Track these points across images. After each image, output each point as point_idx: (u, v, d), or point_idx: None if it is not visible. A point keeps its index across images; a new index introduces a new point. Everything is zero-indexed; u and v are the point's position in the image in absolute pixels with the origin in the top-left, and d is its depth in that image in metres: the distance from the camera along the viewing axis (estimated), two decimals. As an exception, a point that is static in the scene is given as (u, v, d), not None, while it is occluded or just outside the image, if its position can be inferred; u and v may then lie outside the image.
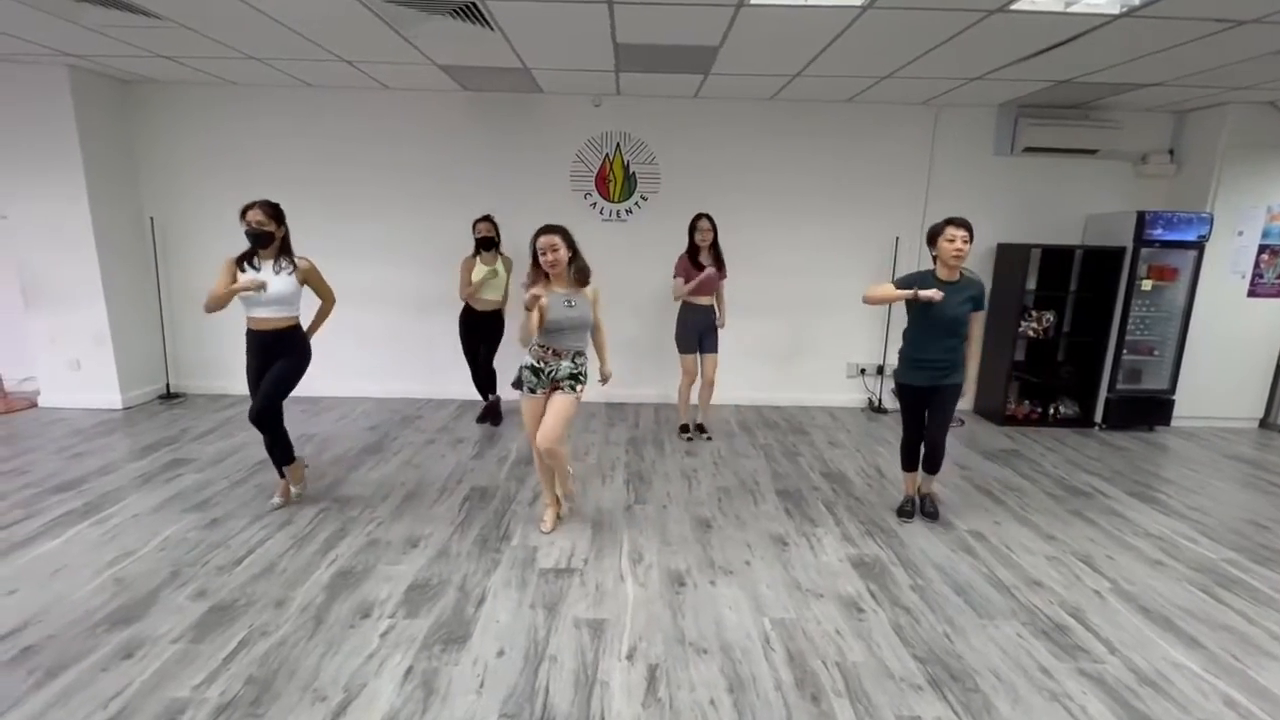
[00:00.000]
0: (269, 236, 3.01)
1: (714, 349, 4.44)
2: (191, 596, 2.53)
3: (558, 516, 3.23)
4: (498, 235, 4.56)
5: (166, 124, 5.00)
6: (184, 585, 2.60)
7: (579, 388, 3.00)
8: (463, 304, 4.62)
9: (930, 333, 3.11)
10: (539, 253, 2.86)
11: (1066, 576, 2.85)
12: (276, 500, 3.32)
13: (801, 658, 2.26)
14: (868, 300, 3.16)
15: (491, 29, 3.42)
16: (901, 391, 3.31)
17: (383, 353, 5.40)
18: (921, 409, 3.28)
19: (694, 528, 3.23)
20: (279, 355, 3.13)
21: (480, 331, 4.65)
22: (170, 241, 5.20)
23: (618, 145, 5.10)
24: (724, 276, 4.37)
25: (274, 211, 3.03)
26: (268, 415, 3.13)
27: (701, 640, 2.34)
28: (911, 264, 5.34)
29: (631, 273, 5.22)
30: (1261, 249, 4.95)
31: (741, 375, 5.39)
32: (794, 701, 2.04)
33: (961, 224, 3.00)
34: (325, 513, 3.28)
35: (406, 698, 2.02)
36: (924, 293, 2.95)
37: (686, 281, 4.25)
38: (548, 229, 2.89)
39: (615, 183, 5.18)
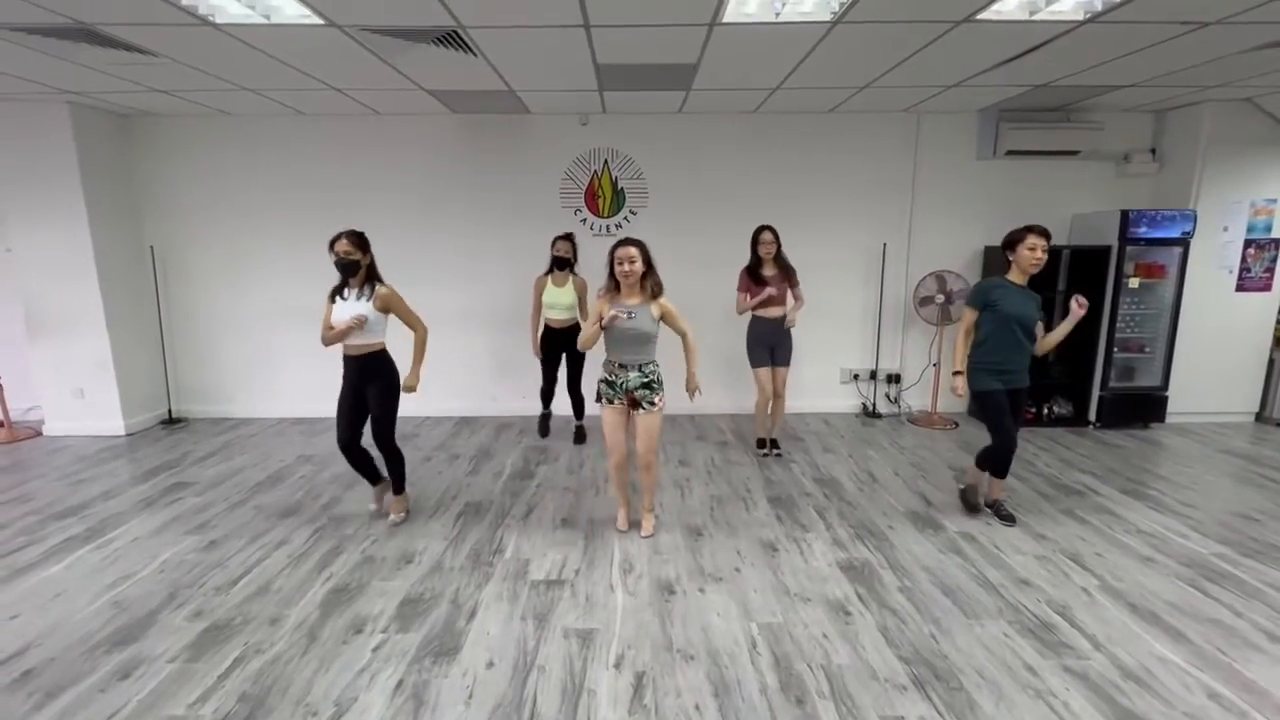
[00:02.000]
0: (356, 265, 3.11)
1: (785, 361, 4.38)
2: (189, 617, 2.57)
3: (628, 518, 3.36)
4: (575, 256, 4.59)
5: (165, 155, 5.13)
6: (181, 606, 2.65)
7: (658, 399, 3.09)
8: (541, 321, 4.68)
9: (1014, 339, 3.19)
10: (616, 263, 2.98)
11: (1055, 575, 2.87)
12: (372, 506, 3.45)
13: (787, 661, 2.28)
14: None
15: (474, 55, 3.52)
16: (991, 399, 3.24)
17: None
18: (1011, 413, 3.27)
19: (685, 536, 3.27)
20: (367, 382, 3.21)
21: (559, 347, 4.65)
22: (170, 269, 5.31)
23: (605, 162, 5.20)
24: (793, 284, 4.30)
25: (359, 240, 3.12)
26: (384, 448, 3.30)
27: (689, 647, 2.37)
28: (899, 270, 5.40)
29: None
30: (1247, 244, 4.98)
31: (735, 383, 5.43)
32: (778, 704, 2.07)
33: (1043, 233, 3.12)
34: (321, 531, 3.33)
35: (396, 710, 2.05)
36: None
37: (750, 298, 4.26)
38: (627, 241, 3.00)
39: (604, 198, 5.27)
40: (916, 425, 5.26)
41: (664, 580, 2.84)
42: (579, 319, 4.59)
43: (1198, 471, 4.17)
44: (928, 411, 5.39)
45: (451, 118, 5.08)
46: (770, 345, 4.35)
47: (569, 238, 4.57)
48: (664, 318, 3.07)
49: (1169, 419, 5.13)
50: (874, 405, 5.57)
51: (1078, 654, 2.32)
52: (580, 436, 4.85)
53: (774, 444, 4.56)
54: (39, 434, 5.07)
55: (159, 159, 5.14)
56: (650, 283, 3.04)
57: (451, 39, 3.27)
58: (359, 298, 3.14)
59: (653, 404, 3.10)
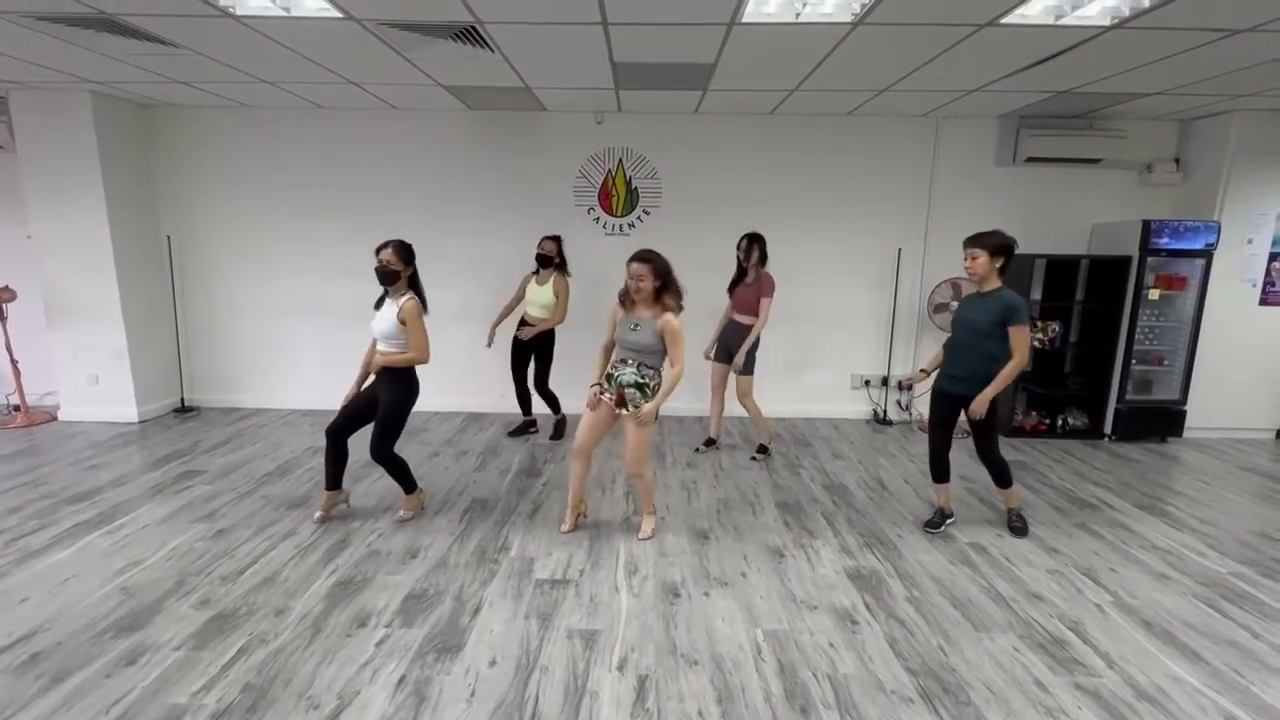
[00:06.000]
0: (395, 275, 3.13)
1: (741, 370, 4.23)
2: (195, 605, 2.58)
3: (578, 519, 3.33)
4: (559, 255, 4.60)
5: (183, 146, 5.18)
6: (188, 594, 2.66)
7: (646, 407, 2.96)
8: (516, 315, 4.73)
9: (957, 341, 3.22)
10: (628, 278, 2.95)
11: (1068, 590, 2.82)
12: (404, 514, 3.41)
13: (792, 669, 2.25)
14: None
15: (491, 50, 3.51)
16: (932, 398, 3.38)
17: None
18: (944, 417, 3.31)
19: (691, 539, 3.24)
20: (383, 386, 3.22)
21: (529, 346, 4.67)
22: (186, 260, 5.35)
23: (620, 161, 5.18)
24: (763, 293, 4.16)
25: (405, 252, 3.15)
26: (377, 457, 3.27)
27: (693, 651, 2.34)
28: (915, 276, 5.36)
29: (634, 286, 5.28)
30: (1272, 257, 4.88)
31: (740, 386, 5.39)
32: (782, 713, 2.04)
33: (969, 241, 3.11)
34: (328, 524, 3.34)
35: (398, 706, 2.05)
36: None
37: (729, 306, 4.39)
38: (641, 258, 2.93)
39: (618, 197, 5.25)
40: (927, 434, 5.19)
41: (669, 583, 2.82)
42: (551, 321, 4.60)
43: (1216, 488, 4.09)
44: (939, 419, 5.32)
45: (467, 114, 5.09)
46: (728, 348, 4.34)
47: (555, 239, 4.60)
48: (663, 332, 2.93)
49: (1186, 433, 5.04)
50: (884, 412, 5.51)
51: (1090, 671, 2.27)
52: (559, 431, 4.87)
53: (761, 449, 4.50)
54: (54, 419, 5.13)
55: (177, 149, 5.18)
56: (668, 298, 2.95)
57: (469, 34, 3.26)
58: (389, 308, 3.16)
59: (638, 407, 2.98)
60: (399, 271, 3.13)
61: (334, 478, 3.37)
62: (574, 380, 5.13)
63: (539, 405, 4.87)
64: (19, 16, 3.09)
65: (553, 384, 4.80)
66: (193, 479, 3.93)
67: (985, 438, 3.28)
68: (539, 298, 4.56)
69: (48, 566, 2.87)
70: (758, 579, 2.86)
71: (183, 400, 5.50)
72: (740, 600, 2.69)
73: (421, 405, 5.46)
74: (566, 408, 4.89)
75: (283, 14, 3.01)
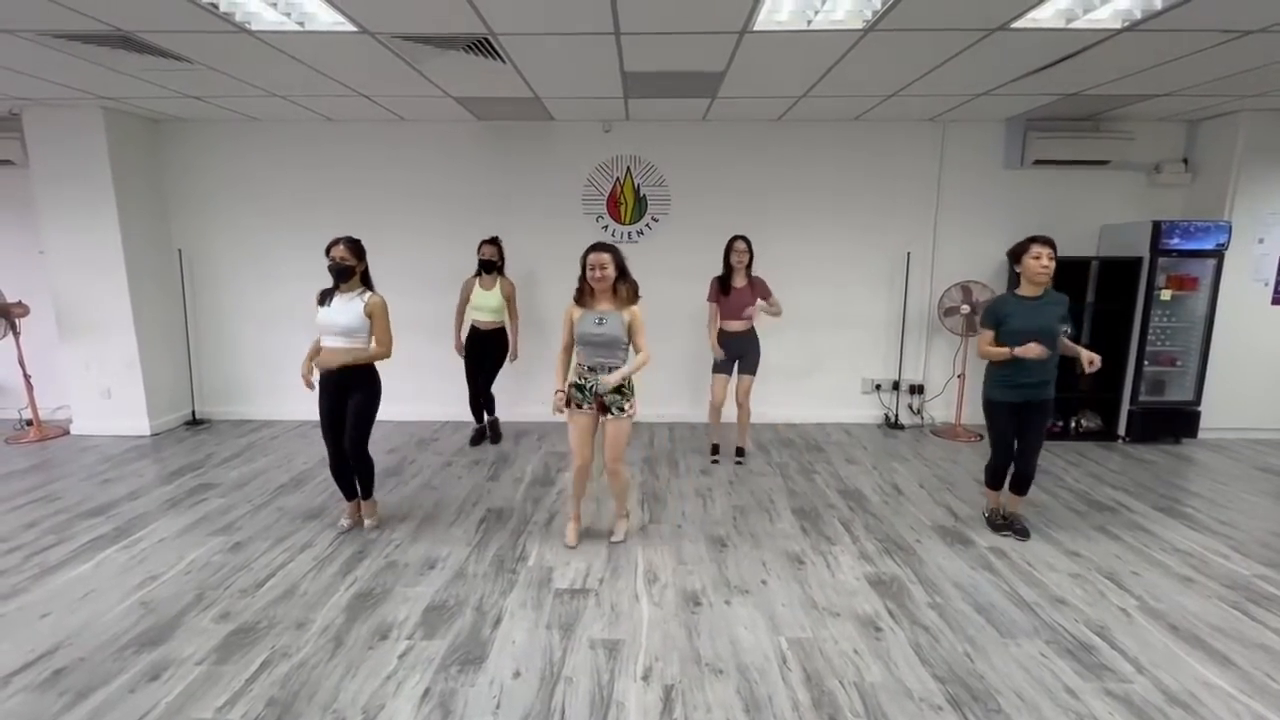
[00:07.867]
0: (350, 271, 3.13)
1: (751, 370, 4.34)
2: (215, 619, 2.58)
3: (578, 532, 3.27)
4: (500, 259, 4.65)
5: (194, 160, 5.21)
6: (208, 608, 2.65)
7: (628, 406, 3.03)
8: (468, 322, 4.75)
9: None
10: (588, 268, 2.94)
11: (1091, 594, 2.80)
12: (344, 522, 3.39)
13: (819, 678, 2.23)
14: (983, 356, 3.24)
15: (503, 62, 3.53)
16: (994, 409, 3.22)
17: (400, 376, 5.47)
18: (1014, 428, 3.20)
19: (709, 547, 3.23)
20: (349, 391, 3.17)
21: (484, 350, 4.71)
22: (197, 272, 5.38)
23: (628, 169, 5.20)
24: (765, 295, 4.28)
25: (356, 248, 3.16)
26: (357, 456, 3.25)
27: (717, 660, 2.33)
28: (924, 279, 5.35)
29: (644, 293, 5.27)
30: (1284, 256, 4.87)
31: (756, 393, 5.38)
32: (811, 723, 2.02)
33: (1046, 241, 3.08)
34: (345, 535, 3.33)
35: (424, 719, 2.03)
36: (1023, 351, 3.04)
37: (718, 310, 4.29)
38: (599, 247, 2.97)
39: (626, 205, 5.26)
40: (940, 437, 5.18)
41: (689, 591, 2.80)
42: (505, 322, 4.71)
43: (1234, 489, 4.06)
44: (951, 423, 5.31)
45: (476, 124, 5.11)
46: (735, 355, 4.32)
47: (495, 241, 4.64)
48: (632, 323, 2.98)
49: (1201, 434, 5.02)
50: (896, 416, 5.50)
51: (1119, 677, 2.25)
52: (478, 438, 4.91)
53: (739, 452, 4.51)
54: (67, 433, 5.13)
55: (188, 163, 5.22)
56: (625, 288, 2.99)
57: (482, 46, 3.28)
58: (347, 301, 3.14)
59: (622, 410, 3.02)
60: (354, 267, 3.13)
61: (350, 491, 3.39)
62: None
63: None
64: (36, 34, 3.12)
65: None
66: (207, 492, 3.93)
67: (1039, 447, 3.25)
68: (487, 302, 4.60)
69: (66, 582, 2.87)
70: (778, 586, 2.85)
71: (194, 413, 5.51)
72: (762, 608, 2.67)
73: (432, 415, 5.51)
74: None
75: (297, 29, 3.04)
